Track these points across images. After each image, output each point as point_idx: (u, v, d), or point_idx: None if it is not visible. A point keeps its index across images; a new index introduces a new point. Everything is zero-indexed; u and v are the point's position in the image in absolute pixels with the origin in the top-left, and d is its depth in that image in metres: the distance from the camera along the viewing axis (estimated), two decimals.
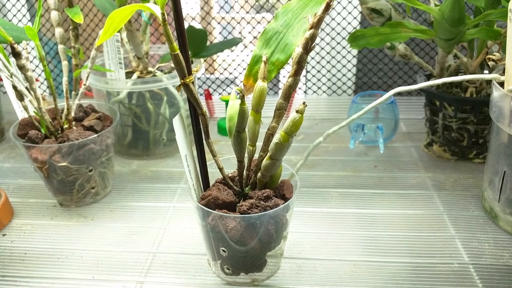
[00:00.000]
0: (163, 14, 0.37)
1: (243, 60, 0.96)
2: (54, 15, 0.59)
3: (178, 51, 0.40)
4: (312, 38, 0.39)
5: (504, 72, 0.53)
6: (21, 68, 0.55)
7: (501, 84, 0.54)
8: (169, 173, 0.73)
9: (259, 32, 0.83)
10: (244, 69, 0.97)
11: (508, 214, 0.56)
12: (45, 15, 0.98)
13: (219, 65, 1.00)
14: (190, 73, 0.42)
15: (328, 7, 0.37)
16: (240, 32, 1.03)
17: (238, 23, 0.95)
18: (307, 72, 0.96)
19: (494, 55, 0.58)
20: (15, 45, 0.52)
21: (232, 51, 0.92)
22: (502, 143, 0.55)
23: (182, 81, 0.42)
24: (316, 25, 0.38)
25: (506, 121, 0.52)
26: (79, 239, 0.58)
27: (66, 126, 0.63)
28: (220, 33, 1.00)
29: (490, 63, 0.58)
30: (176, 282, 0.51)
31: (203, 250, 0.55)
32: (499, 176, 0.56)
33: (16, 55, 0.53)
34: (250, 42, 0.96)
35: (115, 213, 0.63)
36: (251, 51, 0.95)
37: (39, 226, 0.61)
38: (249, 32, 0.94)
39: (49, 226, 0.61)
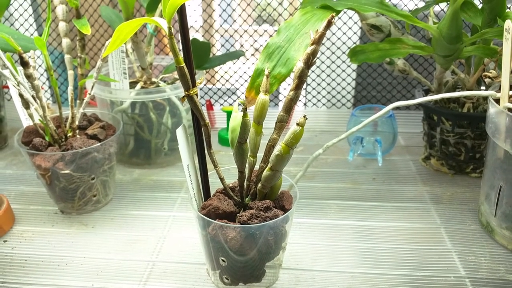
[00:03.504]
0: (169, 28, 0.39)
1: (245, 72, 0.98)
2: (62, 25, 0.61)
3: (183, 64, 0.41)
4: (313, 53, 0.40)
5: (500, 89, 0.54)
6: (29, 77, 0.56)
7: (497, 100, 0.55)
8: (169, 182, 0.74)
9: (261, 45, 0.84)
10: (246, 81, 0.98)
11: (504, 228, 0.57)
12: (51, 25, 1.00)
13: (221, 76, 1.01)
14: (194, 85, 0.43)
15: (329, 23, 0.39)
16: (242, 45, 1.04)
17: (241, 36, 0.97)
18: (308, 85, 0.97)
19: (491, 73, 0.59)
20: (24, 55, 0.53)
21: (234, 63, 0.93)
22: (498, 158, 0.56)
23: (186, 92, 0.43)
24: (318, 41, 0.39)
25: (502, 137, 0.53)
26: (80, 246, 0.59)
27: (70, 134, 0.64)
28: (222, 45, 1.01)
29: (487, 80, 0.60)
30: None
31: (202, 260, 0.56)
32: (495, 190, 0.57)
33: (24, 64, 0.54)
34: (252, 55, 0.98)
35: (116, 221, 0.64)
36: (253, 63, 0.97)
37: (40, 233, 0.62)
38: (251, 45, 0.95)
39: (50, 233, 0.62)
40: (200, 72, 0.79)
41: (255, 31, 0.95)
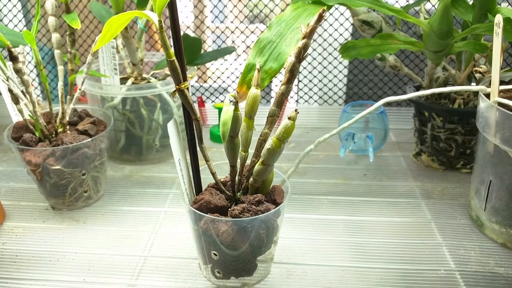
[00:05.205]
0: (160, 21, 0.38)
1: (236, 69, 0.98)
2: (52, 20, 0.60)
3: (174, 58, 0.41)
4: (304, 47, 0.40)
5: (490, 84, 0.55)
6: (18, 71, 0.55)
7: (488, 95, 0.55)
8: (161, 179, 0.74)
9: (252, 41, 0.84)
10: (238, 77, 0.98)
11: (494, 222, 0.57)
12: (40, 20, 0.99)
13: (213, 72, 1.01)
14: (185, 79, 0.43)
15: (320, 18, 0.39)
16: (233, 41, 1.04)
17: (232, 32, 0.97)
18: (299, 81, 0.98)
19: (481, 68, 0.60)
20: (13, 49, 0.53)
21: (225, 60, 0.93)
22: (488, 153, 0.56)
23: (177, 86, 0.42)
24: (309, 35, 0.39)
25: (492, 131, 0.53)
26: (71, 242, 0.58)
27: (60, 130, 0.63)
28: (214, 41, 1.01)
29: (477, 75, 0.60)
30: (167, 285, 0.51)
31: (194, 254, 0.56)
32: (485, 185, 0.57)
33: (14, 59, 0.54)
34: (244, 51, 0.98)
35: (107, 217, 0.64)
36: (244, 60, 0.97)
37: (31, 229, 0.61)
38: (243, 42, 0.95)
39: (41, 229, 0.61)
40: (191, 67, 0.79)
41: (247, 27, 0.95)
